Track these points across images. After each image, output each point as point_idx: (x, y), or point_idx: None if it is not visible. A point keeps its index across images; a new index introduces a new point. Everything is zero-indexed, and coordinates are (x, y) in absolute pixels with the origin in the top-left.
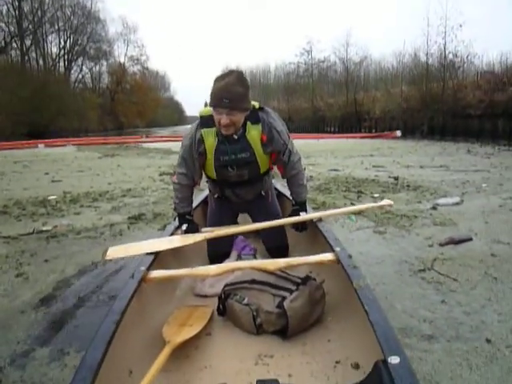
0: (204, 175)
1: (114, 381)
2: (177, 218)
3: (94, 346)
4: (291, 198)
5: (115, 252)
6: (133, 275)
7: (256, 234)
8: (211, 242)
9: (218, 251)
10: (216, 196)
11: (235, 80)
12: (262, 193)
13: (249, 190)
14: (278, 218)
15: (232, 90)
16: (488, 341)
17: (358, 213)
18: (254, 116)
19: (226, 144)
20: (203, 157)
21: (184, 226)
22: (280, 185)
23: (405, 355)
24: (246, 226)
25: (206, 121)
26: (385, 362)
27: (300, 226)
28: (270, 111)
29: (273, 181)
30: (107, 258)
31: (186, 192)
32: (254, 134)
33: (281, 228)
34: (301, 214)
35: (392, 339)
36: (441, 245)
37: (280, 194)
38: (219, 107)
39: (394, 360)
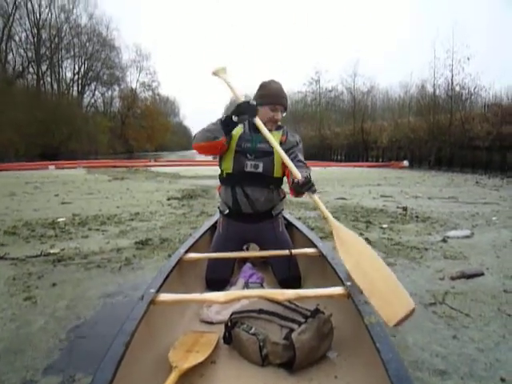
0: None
1: None
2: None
3: (104, 367)
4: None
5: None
6: (142, 297)
7: (263, 262)
8: (211, 267)
9: (216, 277)
10: (226, 212)
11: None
12: (273, 213)
13: (261, 194)
14: (288, 248)
15: (285, 94)
16: (502, 380)
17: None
18: (278, 126)
19: (252, 133)
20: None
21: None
22: (290, 215)
23: None
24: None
25: None
26: None
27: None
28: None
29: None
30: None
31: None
32: (275, 134)
33: (293, 259)
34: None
35: (405, 379)
36: (452, 278)
37: (289, 224)
38: (279, 104)
39: None
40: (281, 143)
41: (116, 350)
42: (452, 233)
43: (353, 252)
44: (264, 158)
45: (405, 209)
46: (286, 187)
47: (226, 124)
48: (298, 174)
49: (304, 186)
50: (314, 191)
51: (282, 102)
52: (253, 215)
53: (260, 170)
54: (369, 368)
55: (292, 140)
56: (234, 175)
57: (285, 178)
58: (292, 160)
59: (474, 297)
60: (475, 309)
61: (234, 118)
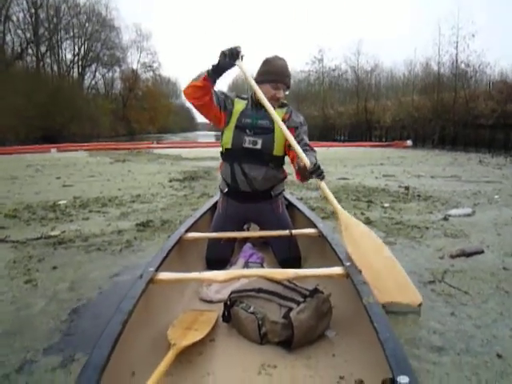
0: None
1: (117, 381)
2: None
3: (101, 344)
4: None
5: None
6: (141, 275)
7: (263, 243)
8: (211, 247)
9: (216, 257)
10: (225, 191)
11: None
12: (272, 193)
13: (258, 172)
14: (289, 229)
15: (289, 72)
16: (499, 356)
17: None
18: (282, 104)
19: (253, 110)
20: (225, 111)
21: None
22: (291, 196)
23: (414, 376)
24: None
25: (241, 96)
26: (393, 380)
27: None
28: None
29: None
30: None
31: None
32: (278, 111)
33: (293, 239)
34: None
35: (402, 358)
36: (452, 257)
37: (290, 205)
38: (282, 83)
39: (403, 379)
40: (283, 121)
41: (113, 329)
42: (453, 211)
43: (360, 243)
44: (263, 135)
45: (407, 188)
46: (287, 167)
47: (214, 70)
48: (305, 159)
49: (313, 173)
50: (323, 178)
51: (285, 80)
52: (251, 194)
53: (258, 146)
54: (366, 347)
55: (296, 120)
56: (233, 151)
57: (287, 159)
58: (298, 143)
59: (474, 274)
60: (474, 286)
61: (220, 61)
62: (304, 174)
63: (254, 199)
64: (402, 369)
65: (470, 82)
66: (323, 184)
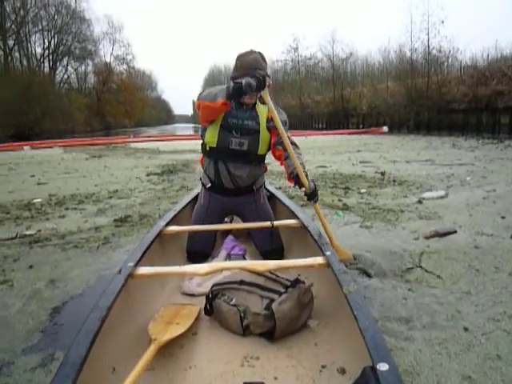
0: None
1: (97, 378)
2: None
3: (78, 342)
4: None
5: None
6: (120, 271)
7: (246, 235)
8: (192, 239)
9: (198, 249)
10: (208, 186)
11: (261, 56)
12: (254, 187)
13: (243, 171)
14: (270, 220)
15: (261, 63)
16: (465, 329)
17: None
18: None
19: (238, 110)
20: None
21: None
22: (272, 187)
23: (393, 362)
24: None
25: None
26: (373, 368)
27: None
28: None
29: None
30: None
31: None
32: (262, 109)
33: (274, 230)
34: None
35: (381, 346)
36: (426, 238)
37: (272, 196)
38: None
39: (382, 367)
40: (267, 120)
41: (91, 325)
42: (427, 194)
43: None
44: (249, 136)
45: (383, 173)
46: (268, 158)
47: (234, 89)
48: (306, 183)
49: (310, 196)
50: (317, 201)
51: (256, 74)
52: (234, 190)
53: (245, 148)
54: (347, 335)
55: (281, 118)
56: (219, 150)
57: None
58: (280, 141)
59: (447, 254)
60: (448, 266)
61: (245, 89)
62: (297, 183)
63: (236, 193)
64: (381, 356)
65: (442, 68)
66: (317, 206)
